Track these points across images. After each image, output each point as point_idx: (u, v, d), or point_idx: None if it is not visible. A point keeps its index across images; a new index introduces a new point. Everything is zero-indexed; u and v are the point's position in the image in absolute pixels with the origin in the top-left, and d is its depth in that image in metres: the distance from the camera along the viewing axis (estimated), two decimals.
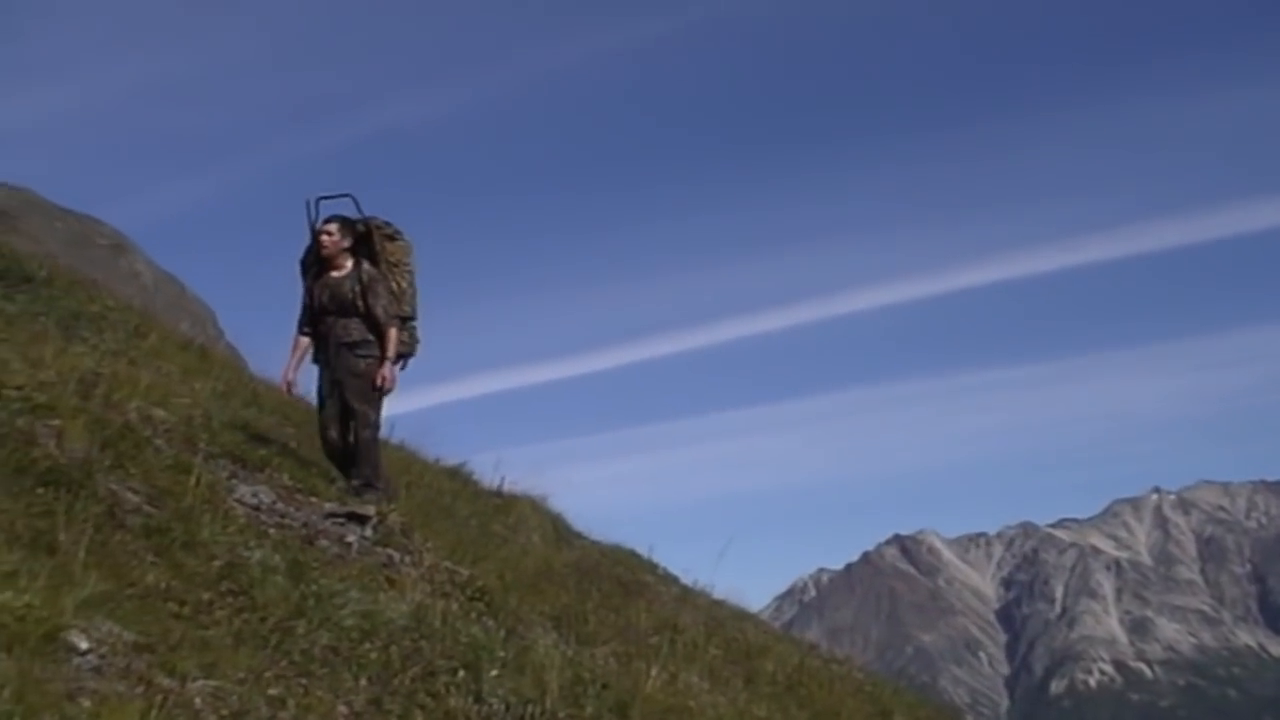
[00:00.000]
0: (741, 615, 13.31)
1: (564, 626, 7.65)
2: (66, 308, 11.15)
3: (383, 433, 12.82)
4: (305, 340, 8.71)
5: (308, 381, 8.97)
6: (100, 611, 3.98)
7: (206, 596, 5.20)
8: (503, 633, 6.69)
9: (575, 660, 6.67)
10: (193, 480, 6.46)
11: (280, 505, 7.48)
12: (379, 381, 8.47)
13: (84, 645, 3.67)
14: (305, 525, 7.33)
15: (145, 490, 6.25)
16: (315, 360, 8.73)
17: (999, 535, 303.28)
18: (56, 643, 3.51)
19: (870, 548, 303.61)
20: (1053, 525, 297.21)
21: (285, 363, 8.81)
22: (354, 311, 8.49)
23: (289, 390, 9.06)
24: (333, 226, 8.55)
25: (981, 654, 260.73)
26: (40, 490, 5.40)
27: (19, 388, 6.58)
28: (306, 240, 8.73)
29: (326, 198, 8.67)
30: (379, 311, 8.48)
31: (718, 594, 13.25)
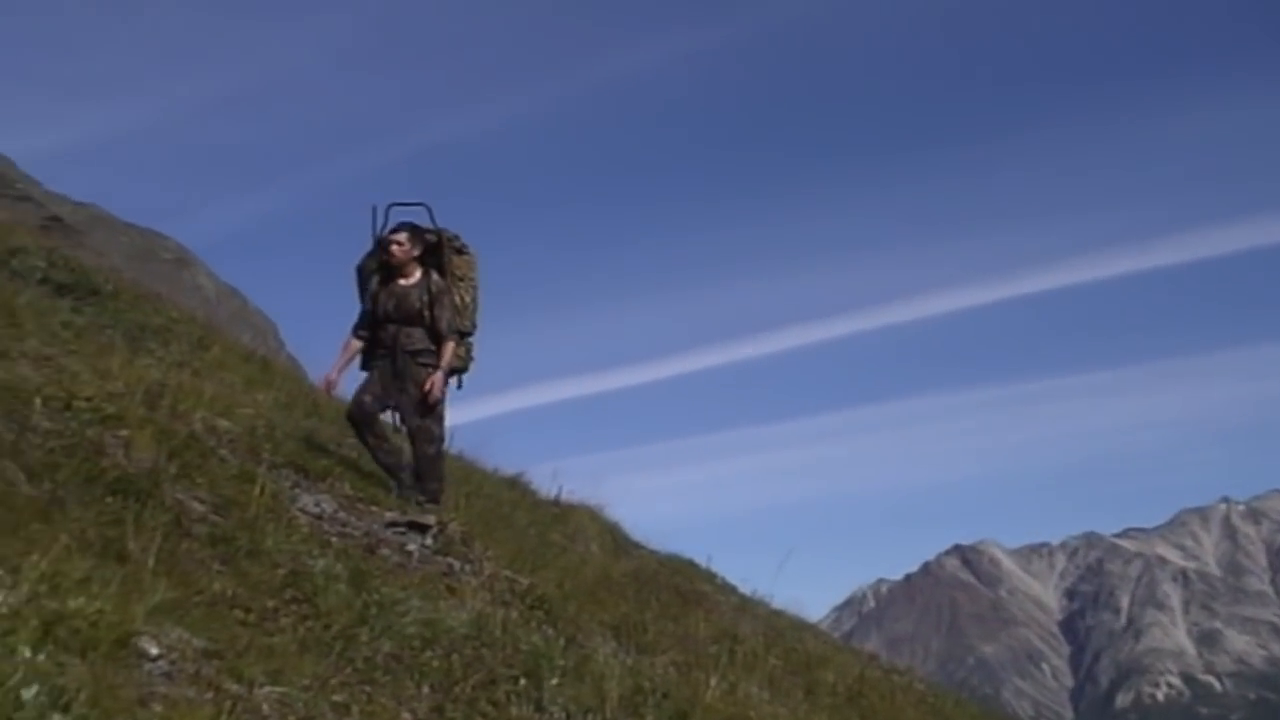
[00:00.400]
0: (801, 625, 13.28)
1: (623, 635, 7.66)
2: (133, 320, 11.32)
3: (445, 443, 12.97)
4: (357, 344, 8.66)
5: (349, 385, 8.94)
6: (169, 618, 4.06)
7: (271, 604, 5.27)
8: (562, 641, 6.71)
9: (635, 669, 6.68)
10: (257, 490, 6.54)
11: (342, 514, 7.56)
12: (427, 387, 8.42)
13: (154, 651, 3.74)
14: (367, 534, 7.40)
15: (211, 499, 6.34)
16: (364, 366, 8.68)
17: (1062, 545, 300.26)
18: (128, 648, 3.57)
19: (930, 558, 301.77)
20: (1118, 535, 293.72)
21: (333, 362, 8.74)
22: (419, 321, 8.48)
23: (329, 390, 8.98)
24: (403, 235, 8.53)
25: (1045, 666, 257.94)
26: (110, 499, 5.50)
27: (88, 399, 6.70)
28: (368, 246, 8.71)
29: (401, 205, 8.70)
30: (443, 324, 8.48)
31: (777, 604, 13.24)
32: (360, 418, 8.55)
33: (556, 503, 12.73)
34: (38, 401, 6.25)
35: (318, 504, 7.50)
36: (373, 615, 5.65)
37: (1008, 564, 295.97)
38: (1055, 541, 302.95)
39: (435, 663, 5.48)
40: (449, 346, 8.51)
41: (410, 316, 8.48)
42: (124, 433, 6.48)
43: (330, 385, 8.83)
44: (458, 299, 8.67)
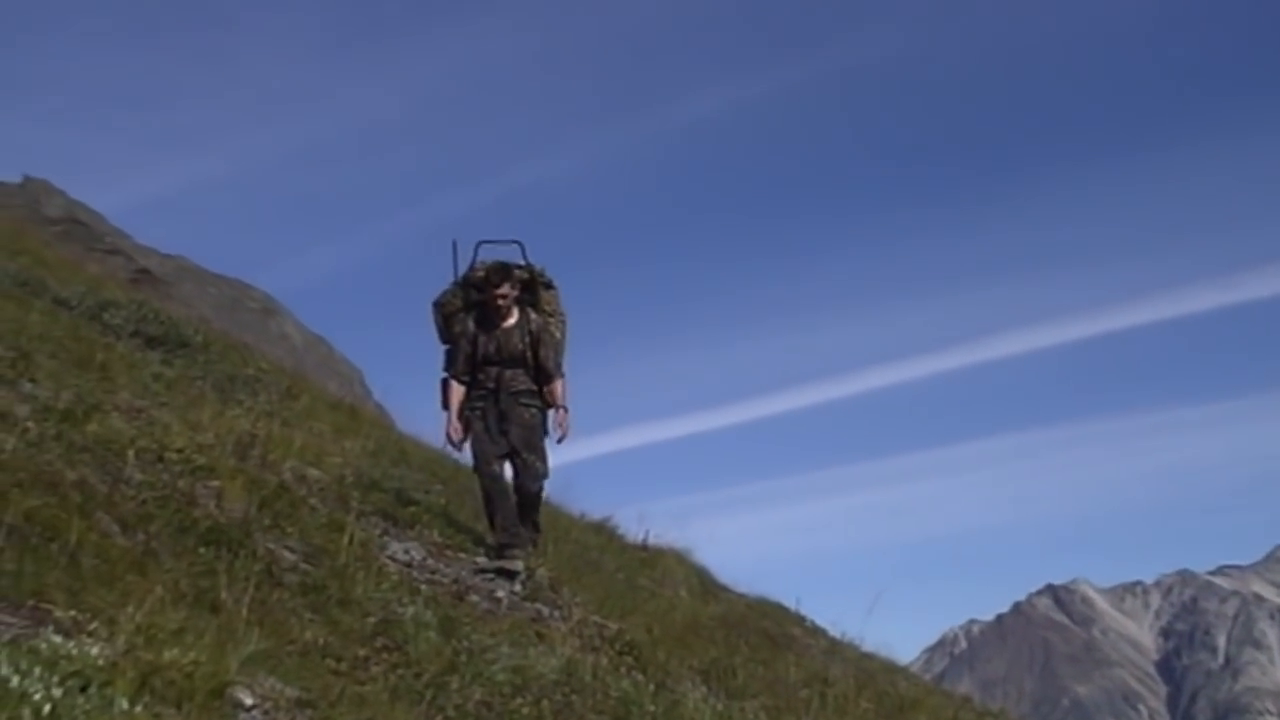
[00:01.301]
0: (892, 668, 13.04)
1: (713, 680, 7.58)
2: (222, 371, 11.48)
3: None
4: (462, 388, 8.37)
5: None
6: (263, 668, 4.06)
7: (362, 653, 5.28)
8: (652, 686, 6.65)
9: (725, 714, 6.60)
10: (346, 538, 6.57)
11: (431, 561, 7.57)
12: (559, 432, 8.32)
13: (249, 701, 3.74)
14: (455, 581, 7.41)
15: (301, 548, 6.39)
16: (465, 410, 8.35)
17: (1156, 584, 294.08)
18: (223, 699, 3.58)
19: (1021, 598, 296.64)
20: (1212, 572, 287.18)
21: (447, 415, 8.38)
22: (521, 362, 8.31)
23: (457, 442, 8.43)
24: (506, 286, 8.30)
25: (1141, 707, 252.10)
26: (202, 549, 5.55)
27: (180, 450, 6.78)
28: (448, 282, 8.55)
29: (491, 243, 8.54)
30: (550, 363, 8.36)
31: (867, 646, 13.02)
32: (493, 486, 8.26)
33: (644, 547, 12.67)
34: (131, 454, 6.34)
35: (407, 551, 7.52)
36: (463, 662, 5.64)
37: (1101, 603, 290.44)
38: (1149, 580, 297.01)
39: (525, 709, 5.45)
40: (560, 385, 8.40)
41: (515, 358, 8.30)
42: (215, 483, 6.55)
43: (457, 437, 8.38)
44: (553, 334, 8.52)
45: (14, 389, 6.60)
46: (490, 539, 8.25)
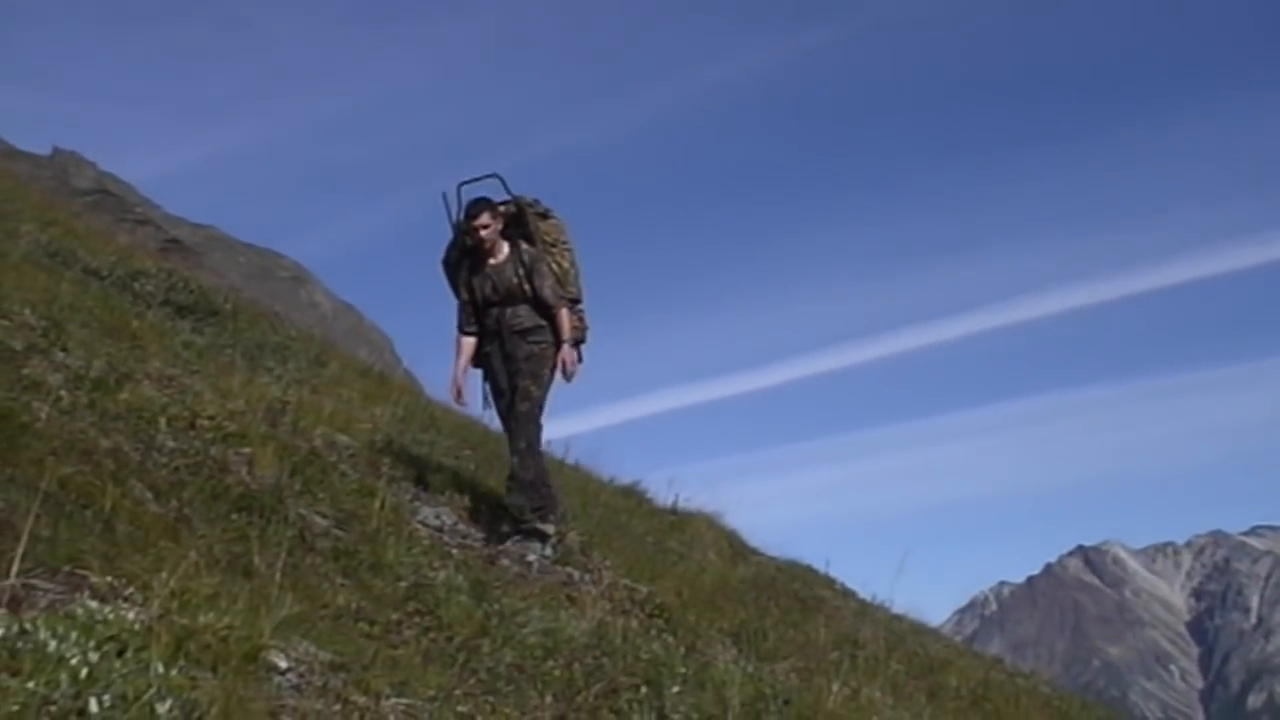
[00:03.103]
0: (922, 629, 13.06)
1: (743, 643, 7.60)
2: (252, 339, 11.53)
3: (560, 453, 13.01)
4: (470, 340, 7.96)
5: (474, 386, 8.22)
6: (296, 632, 4.10)
7: (395, 616, 5.32)
8: (683, 649, 6.68)
9: (756, 676, 6.62)
10: (377, 504, 6.62)
11: (461, 526, 7.62)
12: (561, 366, 7.80)
13: (283, 664, 3.78)
14: (486, 545, 7.46)
15: (333, 514, 6.43)
16: (478, 363, 8.01)
17: (1188, 545, 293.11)
18: (257, 662, 3.62)
19: (1052, 559, 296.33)
20: (1245, 533, 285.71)
21: (451, 368, 7.98)
22: (521, 297, 7.82)
23: (458, 397, 8.00)
24: (484, 216, 7.78)
25: (1173, 667, 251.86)
26: (235, 516, 5.60)
27: (211, 418, 6.83)
28: (449, 236, 8.08)
29: (470, 181, 8.03)
30: (547, 293, 7.80)
31: (897, 608, 13.04)
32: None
33: (673, 510, 12.69)
34: (163, 421, 6.39)
35: (438, 516, 7.56)
36: (494, 626, 5.68)
37: (1132, 564, 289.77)
38: (1180, 541, 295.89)
39: (557, 672, 5.48)
40: (564, 315, 7.85)
41: (511, 294, 7.82)
42: (247, 450, 6.60)
43: (458, 392, 7.96)
44: (554, 266, 7.99)
45: (47, 358, 6.65)
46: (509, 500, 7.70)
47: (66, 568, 3.79)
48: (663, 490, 13.21)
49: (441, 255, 8.14)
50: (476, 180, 8.05)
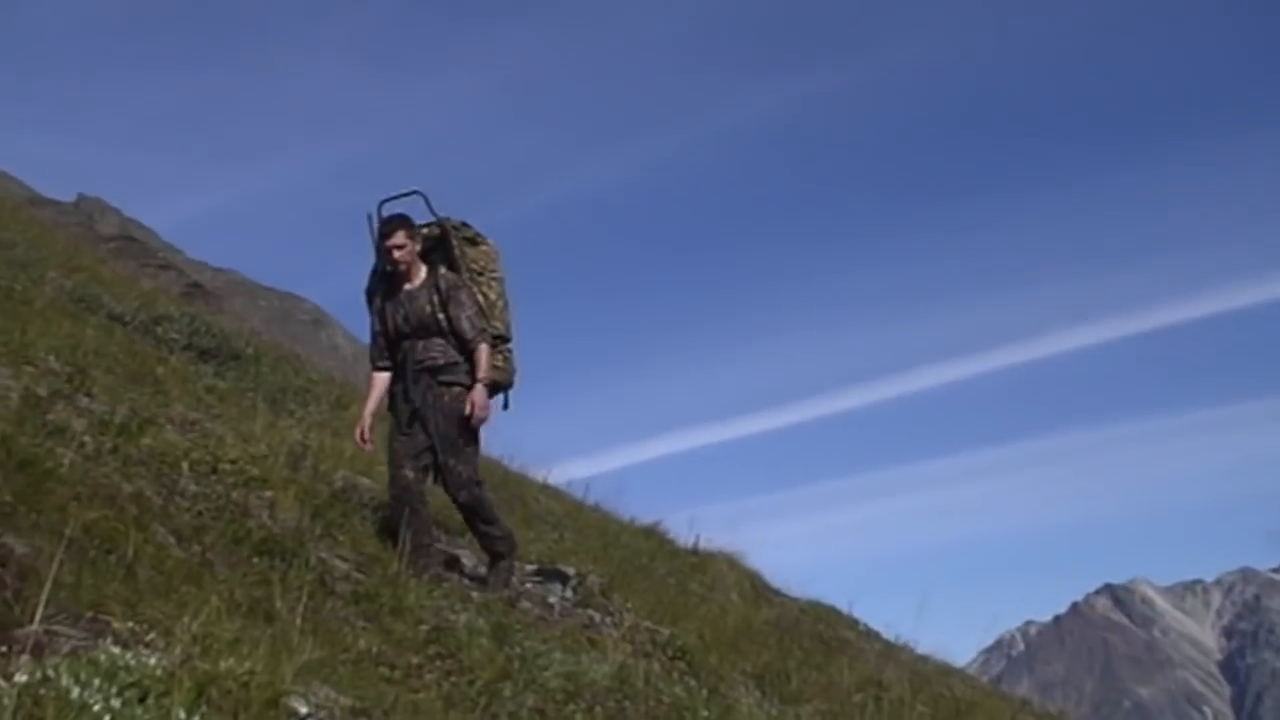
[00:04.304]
0: (947, 670, 12.98)
1: (766, 685, 7.57)
2: (273, 382, 11.59)
3: (581, 493, 12.99)
4: (383, 376, 7.05)
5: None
6: (318, 676, 4.10)
7: (416, 660, 5.31)
8: (705, 692, 6.64)
9: (779, 719, 6.59)
10: (398, 546, 6.62)
11: (481, 569, 7.61)
12: (469, 409, 6.78)
13: (304, 710, 3.77)
14: (507, 587, 7.45)
15: (354, 558, 6.44)
16: (391, 406, 7.10)
17: (1217, 582, 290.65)
18: (278, 708, 3.61)
19: (1079, 598, 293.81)
20: (1275, 570, 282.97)
21: (362, 408, 7.20)
22: (435, 329, 6.87)
23: (364, 442, 7.05)
24: (399, 235, 6.87)
25: (1206, 708, 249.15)
26: (256, 560, 5.61)
27: (233, 462, 6.85)
28: (371, 262, 7.17)
29: (392, 198, 7.12)
30: (464, 325, 6.84)
31: (922, 649, 12.97)
32: (403, 497, 6.84)
33: (694, 551, 12.68)
34: (185, 465, 6.42)
35: (458, 559, 7.56)
36: (516, 669, 5.66)
37: (1161, 603, 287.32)
38: (1209, 578, 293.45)
39: (579, 716, 5.46)
40: (483, 352, 6.84)
41: (424, 325, 6.87)
42: (268, 494, 6.62)
43: (363, 437, 7.01)
44: (480, 297, 7.05)
45: (72, 404, 6.70)
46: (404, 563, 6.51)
47: (89, 613, 3.80)
48: (684, 531, 13.23)
49: (365, 284, 7.26)
50: (398, 197, 7.16)
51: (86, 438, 6.03)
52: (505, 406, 7.21)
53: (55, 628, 3.56)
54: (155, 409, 7.47)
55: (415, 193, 7.15)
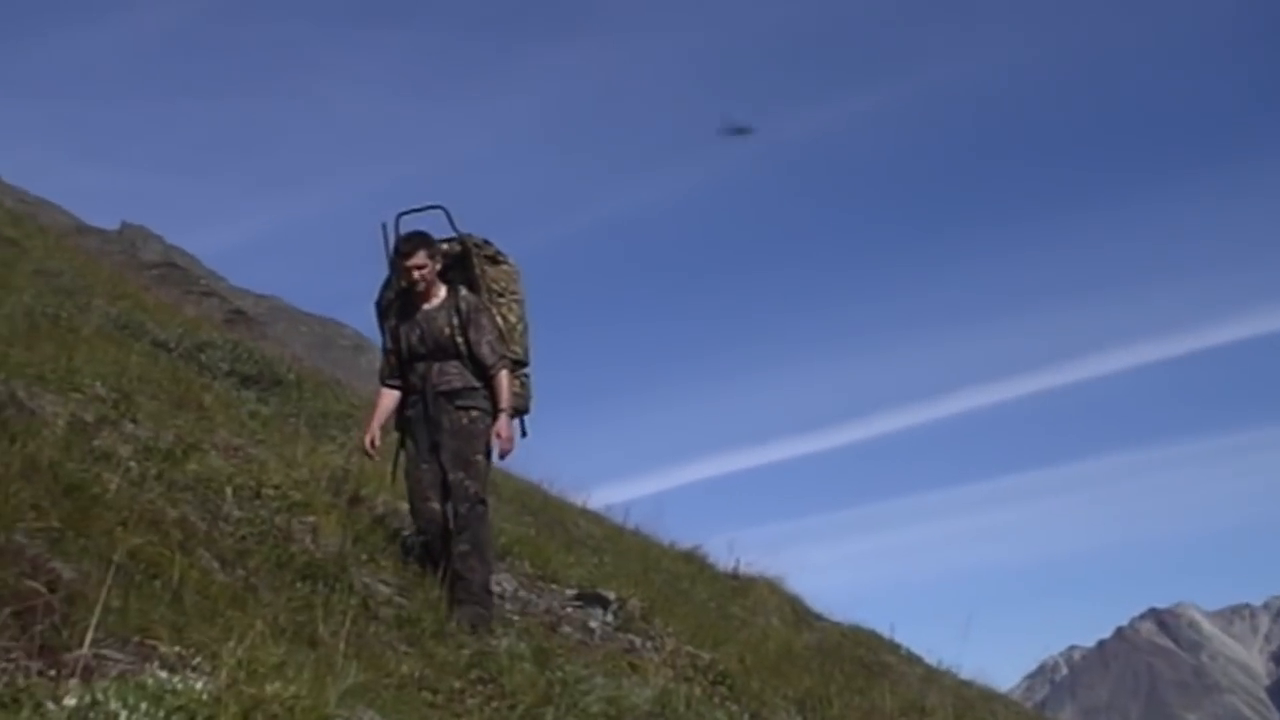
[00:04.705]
0: (991, 696, 12.89)
1: (808, 710, 7.54)
2: (315, 408, 11.65)
3: (620, 518, 12.99)
4: (390, 394, 6.78)
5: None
6: (361, 700, 4.12)
7: (458, 685, 5.33)
8: (747, 717, 6.64)
9: None
10: (439, 571, 6.64)
11: (523, 593, 7.63)
12: (493, 440, 6.58)
13: None
14: (548, 611, 7.46)
15: (396, 582, 6.47)
16: (398, 425, 6.84)
17: (1265, 606, 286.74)
18: None
19: (1123, 622, 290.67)
20: None
21: (367, 423, 6.97)
22: (453, 352, 6.62)
23: (371, 454, 6.86)
24: (420, 254, 6.64)
25: None
26: (299, 584, 5.64)
27: (276, 487, 6.90)
28: (384, 273, 6.96)
29: (411, 211, 6.93)
30: (484, 350, 6.61)
31: (964, 674, 12.88)
32: (431, 529, 6.66)
33: (735, 575, 12.66)
34: (229, 491, 6.46)
35: (498, 583, 7.57)
36: (557, 693, 5.66)
37: (1208, 627, 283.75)
38: (1257, 602, 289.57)
39: None
40: (503, 378, 6.62)
41: (441, 348, 6.63)
42: (311, 519, 6.66)
43: (370, 449, 6.80)
44: (499, 319, 6.82)
45: (117, 430, 6.76)
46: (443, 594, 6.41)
47: (137, 637, 3.84)
48: (723, 555, 13.22)
49: (375, 296, 7.05)
50: (418, 211, 6.96)
51: (132, 463, 6.08)
52: (524, 434, 6.98)
53: (103, 652, 3.60)
54: (199, 435, 7.53)
55: (437, 207, 6.97)
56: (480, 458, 6.57)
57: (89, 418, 6.66)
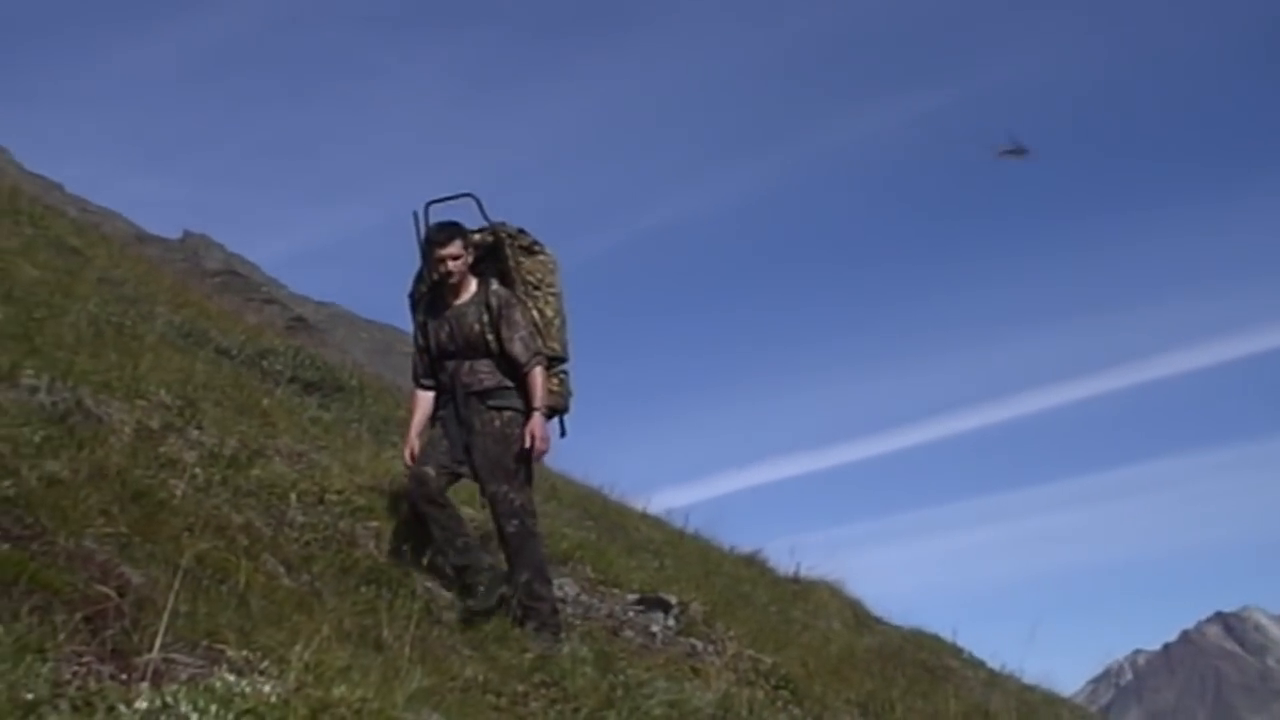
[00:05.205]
0: (1054, 700, 12.75)
1: (870, 713, 7.50)
2: (376, 414, 11.71)
3: (681, 522, 12.97)
4: (426, 396, 6.45)
5: None
6: (427, 704, 4.14)
7: (521, 688, 5.34)
8: None
9: None
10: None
11: (585, 597, 7.63)
12: (527, 441, 6.17)
13: None
14: (610, 616, 7.46)
15: (458, 586, 6.49)
16: (433, 420, 6.48)
17: None
18: None
19: (1189, 626, 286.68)
20: None
21: (408, 429, 6.57)
22: (483, 350, 6.27)
23: (413, 461, 6.37)
24: (454, 245, 6.28)
25: None
26: (364, 589, 5.69)
27: (339, 492, 6.95)
28: (416, 265, 6.59)
29: (441, 200, 6.56)
30: (517, 346, 6.23)
31: (1028, 678, 12.75)
32: (422, 496, 6.20)
33: (796, 579, 12.60)
34: (293, 496, 6.52)
35: (561, 587, 7.58)
36: (619, 697, 5.66)
37: (1275, 630, 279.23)
38: None
39: None
40: (536, 376, 6.23)
41: (471, 344, 6.28)
42: (374, 524, 6.70)
43: (412, 457, 6.38)
44: (535, 313, 6.45)
45: (183, 436, 6.83)
46: (474, 603, 6.08)
47: (205, 641, 3.88)
48: (784, 559, 13.16)
49: (409, 287, 6.72)
50: (448, 199, 6.59)
51: (197, 469, 6.15)
52: (563, 434, 6.62)
53: (173, 656, 3.64)
54: (263, 441, 7.59)
55: (468, 195, 6.60)
56: (519, 465, 6.24)
57: (155, 424, 6.73)
